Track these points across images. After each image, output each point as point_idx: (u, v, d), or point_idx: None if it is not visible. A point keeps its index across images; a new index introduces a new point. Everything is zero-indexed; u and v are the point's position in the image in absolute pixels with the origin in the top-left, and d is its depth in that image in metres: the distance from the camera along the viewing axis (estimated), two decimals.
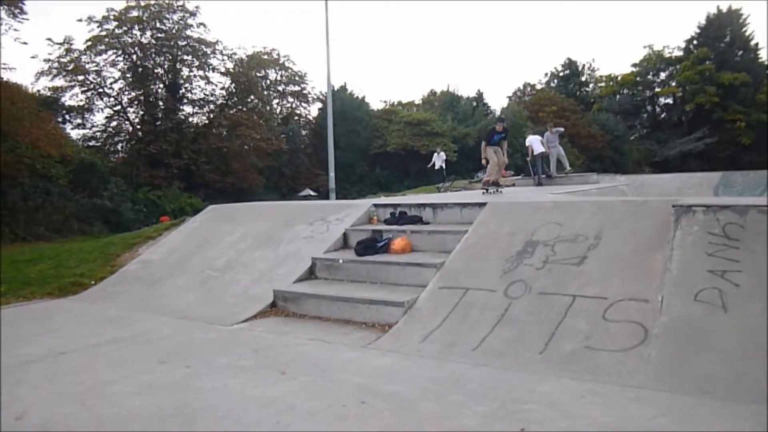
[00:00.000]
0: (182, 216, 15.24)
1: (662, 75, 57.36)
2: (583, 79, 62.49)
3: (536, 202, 7.61)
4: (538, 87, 60.84)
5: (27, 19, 23.92)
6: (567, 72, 61.77)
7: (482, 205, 7.38)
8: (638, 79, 57.50)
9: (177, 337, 5.95)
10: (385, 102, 54.66)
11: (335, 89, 38.49)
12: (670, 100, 57.30)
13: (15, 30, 24.12)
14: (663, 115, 58.93)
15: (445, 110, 47.76)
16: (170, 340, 5.85)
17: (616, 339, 4.58)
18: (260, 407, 3.92)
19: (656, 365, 4.24)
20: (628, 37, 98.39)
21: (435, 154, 24.62)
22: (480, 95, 53.00)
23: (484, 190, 13.02)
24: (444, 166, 24.25)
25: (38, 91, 32.04)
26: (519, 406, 3.78)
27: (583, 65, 62.36)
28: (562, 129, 19.56)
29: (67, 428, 3.67)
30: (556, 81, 61.83)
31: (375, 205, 8.85)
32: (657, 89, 57.45)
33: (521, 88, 61.92)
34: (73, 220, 23.18)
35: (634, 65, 58.01)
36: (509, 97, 61.04)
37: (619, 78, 58.82)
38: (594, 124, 50.55)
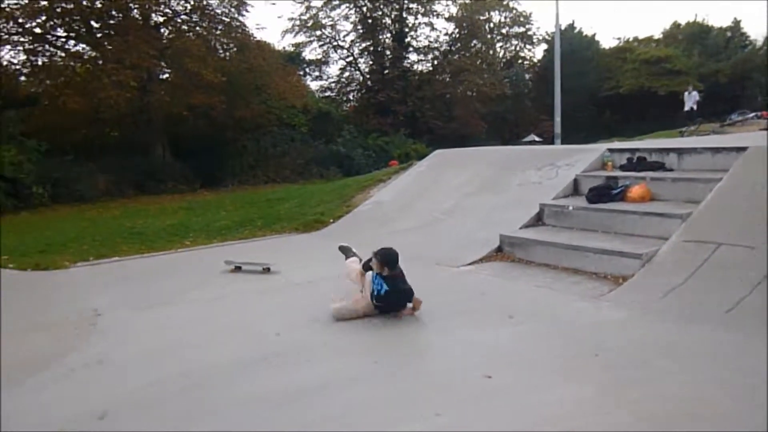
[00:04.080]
0: (408, 161, 15.85)
1: None
2: None
3: None
4: None
5: None
6: None
7: (741, 149, 6.39)
8: None
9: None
10: (618, 39, 50.22)
11: (562, 28, 36.27)
12: None
13: None
14: None
15: (691, 44, 42.41)
16: None
17: None
18: (480, 351, 3.94)
19: None
20: None
21: (686, 94, 22.03)
22: (737, 24, 45.66)
23: None
24: (695, 108, 21.66)
25: (284, 47, 35.58)
26: None
27: None
28: None
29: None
30: None
31: (609, 150, 8.20)
32: None
33: None
34: (313, 164, 25.61)
35: None
36: None
37: None
38: None
